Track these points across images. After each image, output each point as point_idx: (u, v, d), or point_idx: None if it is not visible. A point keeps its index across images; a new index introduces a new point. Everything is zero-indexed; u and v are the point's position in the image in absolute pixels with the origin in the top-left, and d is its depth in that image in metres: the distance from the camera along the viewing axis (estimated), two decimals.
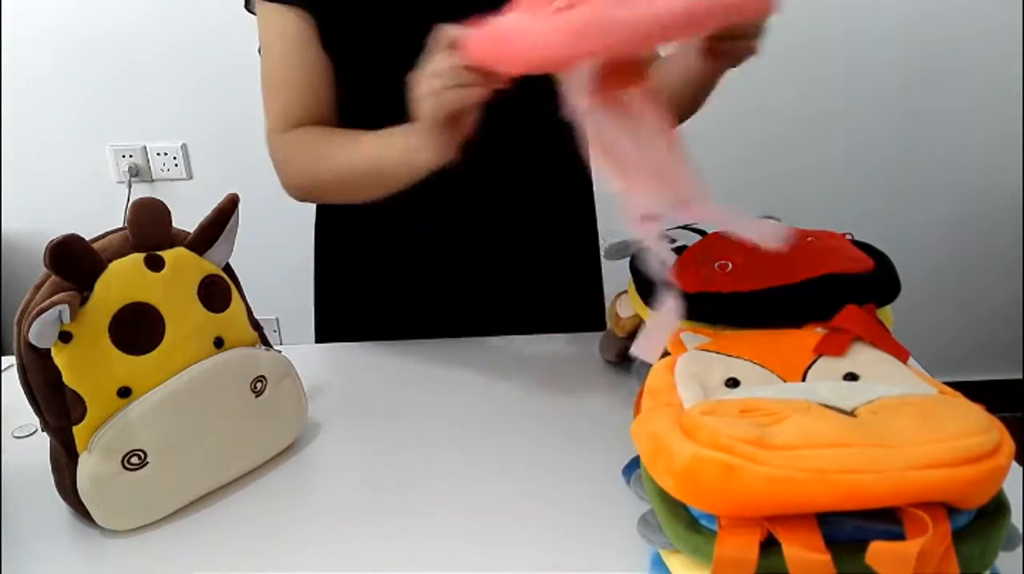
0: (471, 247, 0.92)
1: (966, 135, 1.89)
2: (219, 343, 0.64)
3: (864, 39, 1.80)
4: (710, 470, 0.43)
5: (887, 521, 0.43)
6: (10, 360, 0.87)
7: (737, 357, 0.56)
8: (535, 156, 0.91)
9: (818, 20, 1.79)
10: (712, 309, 0.65)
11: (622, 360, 0.81)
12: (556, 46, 0.49)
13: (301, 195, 0.86)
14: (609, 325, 0.82)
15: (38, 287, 0.58)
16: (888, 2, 1.77)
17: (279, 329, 2.05)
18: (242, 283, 0.69)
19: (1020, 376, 2.10)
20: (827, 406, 0.47)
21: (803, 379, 0.53)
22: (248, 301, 0.69)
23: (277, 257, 1.93)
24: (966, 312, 2.06)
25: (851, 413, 0.47)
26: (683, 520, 0.48)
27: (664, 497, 0.49)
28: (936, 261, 2.00)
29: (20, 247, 1.93)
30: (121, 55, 1.79)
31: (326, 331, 1.02)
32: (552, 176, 0.94)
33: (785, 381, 0.53)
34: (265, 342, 0.70)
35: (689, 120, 0.99)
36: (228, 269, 0.68)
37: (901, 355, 0.56)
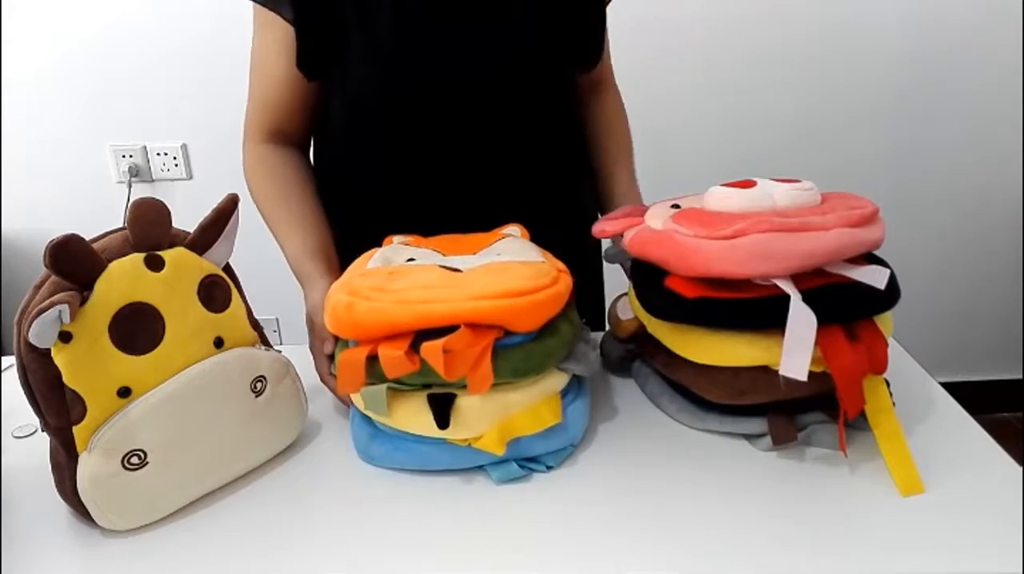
0: None
1: (966, 137, 1.89)
2: (219, 343, 0.64)
3: (864, 45, 1.80)
4: (340, 308, 0.63)
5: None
6: (10, 360, 0.87)
7: (424, 247, 0.74)
8: (534, 159, 0.91)
9: (818, 26, 1.79)
10: (712, 314, 0.66)
11: (622, 362, 0.81)
12: (731, 265, 0.63)
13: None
14: (608, 327, 0.82)
15: (38, 287, 0.58)
16: (888, 8, 1.77)
17: (279, 329, 2.05)
18: (242, 283, 0.69)
19: (1020, 376, 2.10)
20: (447, 267, 0.66)
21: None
22: (248, 301, 0.69)
23: (277, 257, 1.93)
24: (966, 312, 2.06)
25: (461, 271, 0.65)
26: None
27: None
28: (936, 261, 2.00)
29: (20, 247, 1.93)
30: (121, 55, 1.79)
31: None
32: (553, 178, 0.94)
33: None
34: (265, 342, 0.70)
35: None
36: (228, 269, 0.68)
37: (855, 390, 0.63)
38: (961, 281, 2.03)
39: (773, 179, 0.70)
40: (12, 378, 0.61)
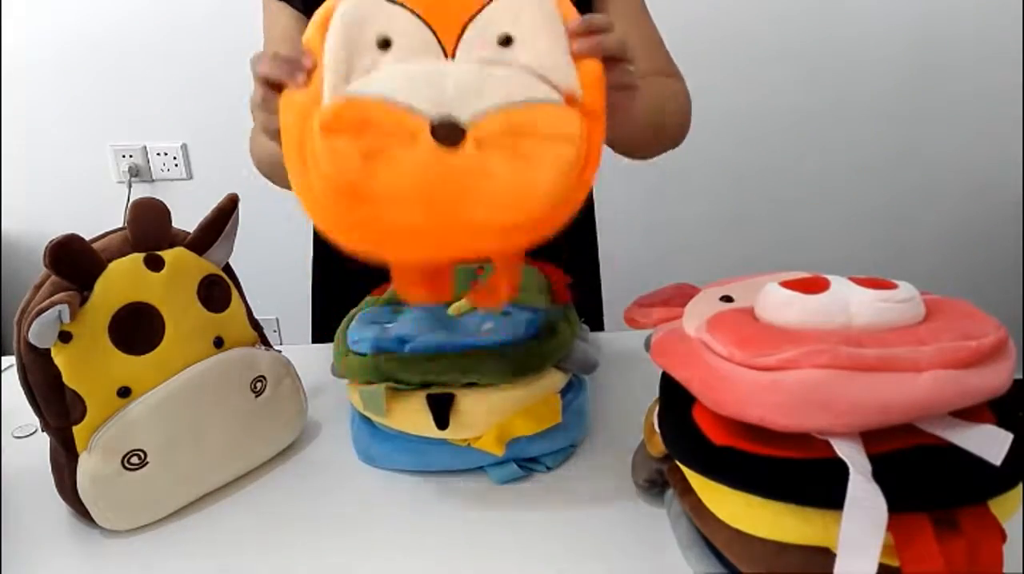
0: None
1: (966, 135, 1.89)
2: (219, 343, 0.64)
3: (864, 40, 1.80)
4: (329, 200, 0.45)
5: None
6: (10, 360, 0.87)
7: (400, 3, 0.51)
8: None
9: (818, 21, 1.79)
10: (742, 472, 0.47)
11: (651, 486, 0.62)
12: (772, 410, 0.43)
13: (259, 171, 0.91)
14: (642, 438, 0.63)
15: (38, 287, 0.58)
16: (888, 8, 1.77)
17: (279, 329, 2.05)
18: (242, 283, 0.69)
19: (1021, 376, 2.10)
20: (445, 122, 0.46)
21: (460, 37, 0.49)
22: (248, 301, 0.69)
23: (277, 257, 1.93)
24: None
25: (462, 130, 0.46)
26: None
27: None
28: (936, 261, 2.00)
29: (20, 247, 1.93)
30: (121, 55, 1.80)
31: (322, 331, 1.02)
32: None
33: (440, 41, 0.49)
34: (265, 342, 0.70)
35: (692, 120, 0.99)
36: (228, 269, 0.68)
37: None
38: (961, 281, 2.03)
39: (853, 279, 0.48)
40: (12, 378, 0.61)
